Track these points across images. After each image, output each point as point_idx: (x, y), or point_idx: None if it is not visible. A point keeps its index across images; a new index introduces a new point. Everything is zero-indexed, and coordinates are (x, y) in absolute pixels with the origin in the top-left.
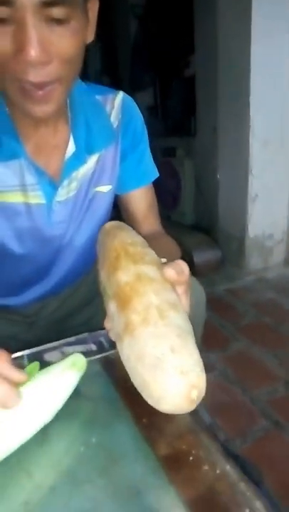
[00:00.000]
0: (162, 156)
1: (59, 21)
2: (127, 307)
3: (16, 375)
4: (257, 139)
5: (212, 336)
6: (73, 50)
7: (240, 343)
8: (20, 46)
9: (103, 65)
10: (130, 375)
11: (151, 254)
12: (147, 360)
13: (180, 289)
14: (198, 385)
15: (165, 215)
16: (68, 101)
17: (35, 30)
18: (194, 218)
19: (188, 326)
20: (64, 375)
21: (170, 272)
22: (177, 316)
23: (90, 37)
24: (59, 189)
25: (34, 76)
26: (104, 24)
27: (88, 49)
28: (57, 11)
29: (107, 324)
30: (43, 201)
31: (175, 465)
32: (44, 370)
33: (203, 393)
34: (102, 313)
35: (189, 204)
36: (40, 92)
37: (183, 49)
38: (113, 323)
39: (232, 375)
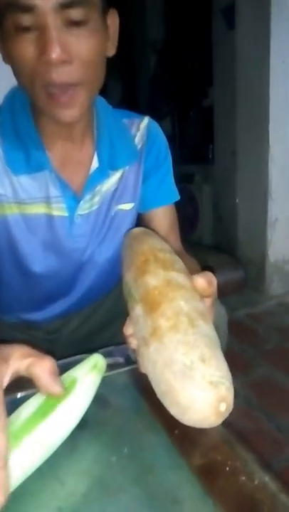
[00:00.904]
0: (180, 182)
1: (77, 23)
2: (155, 311)
3: (55, 388)
4: (276, 163)
5: (234, 361)
6: (92, 52)
7: (262, 368)
8: (42, 49)
9: (123, 96)
10: (154, 382)
11: (179, 262)
12: (176, 367)
13: (207, 302)
14: (227, 399)
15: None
16: (95, 120)
17: (55, 32)
18: (213, 244)
19: (216, 338)
20: (86, 380)
21: (201, 280)
22: (206, 326)
23: (112, 51)
24: (81, 202)
25: (57, 76)
26: (125, 59)
27: (108, 82)
28: (75, 13)
29: (127, 329)
30: (66, 214)
31: (211, 476)
32: (64, 376)
33: (231, 408)
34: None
35: (208, 229)
36: (65, 96)
37: (201, 80)
38: (137, 327)
39: (255, 402)
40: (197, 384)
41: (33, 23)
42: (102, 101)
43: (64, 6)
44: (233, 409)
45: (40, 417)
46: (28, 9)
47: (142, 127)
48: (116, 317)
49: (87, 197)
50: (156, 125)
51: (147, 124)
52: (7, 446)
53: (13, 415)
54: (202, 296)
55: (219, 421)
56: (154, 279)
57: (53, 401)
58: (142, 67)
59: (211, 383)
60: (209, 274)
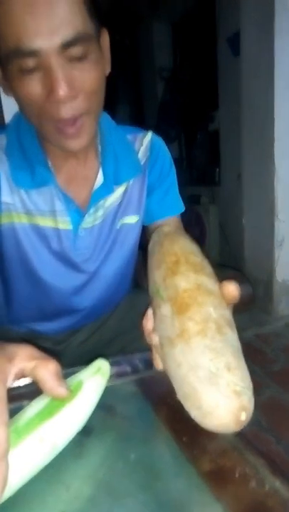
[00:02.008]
0: (187, 203)
1: (79, 58)
2: (184, 313)
3: (60, 390)
4: (282, 184)
5: None
6: (95, 82)
7: (271, 389)
8: (50, 88)
9: (131, 122)
10: (176, 383)
11: (209, 267)
12: (202, 372)
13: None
14: (247, 409)
15: None
16: (99, 136)
17: (60, 72)
18: (220, 263)
19: (240, 348)
20: (91, 383)
21: (232, 288)
22: (232, 335)
23: (107, 69)
24: (85, 216)
25: (65, 112)
26: (133, 86)
27: (118, 108)
28: (76, 50)
29: (147, 323)
30: (70, 227)
31: (220, 482)
32: (69, 379)
33: (250, 418)
34: (132, 347)
35: (214, 249)
36: (73, 128)
37: (207, 105)
38: (162, 326)
39: (265, 423)
40: (222, 391)
41: (37, 65)
42: (106, 117)
43: (66, 46)
44: (243, 430)
45: (45, 416)
46: (32, 53)
47: (145, 142)
48: (124, 330)
49: (91, 211)
50: (159, 140)
51: (151, 139)
52: (7, 440)
53: (18, 415)
54: (227, 304)
55: (237, 429)
56: (185, 282)
57: (58, 402)
58: (150, 94)
59: (235, 392)
60: (236, 283)
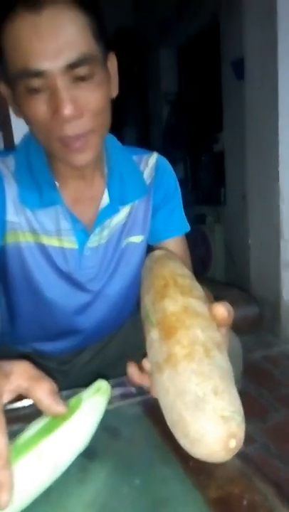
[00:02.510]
0: (192, 223)
1: (83, 78)
2: (171, 337)
3: (58, 408)
4: (287, 204)
5: (250, 406)
6: (100, 102)
7: (280, 414)
8: (55, 108)
9: (137, 144)
10: (165, 410)
11: (199, 289)
12: (188, 398)
13: (222, 331)
14: (237, 435)
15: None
16: (105, 157)
17: (65, 92)
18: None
19: (230, 370)
20: (90, 401)
21: (221, 309)
22: (221, 357)
23: (114, 92)
24: (91, 236)
25: (71, 130)
26: (140, 109)
27: (124, 130)
28: (81, 71)
29: (133, 373)
30: (76, 246)
31: (228, 510)
32: (69, 400)
33: (240, 445)
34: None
35: (220, 269)
36: (78, 143)
37: (212, 127)
38: (151, 351)
39: (273, 449)
40: (208, 417)
41: (43, 85)
42: (112, 139)
43: (71, 67)
44: (251, 456)
45: (44, 434)
46: (38, 74)
47: (150, 163)
48: (129, 351)
49: (97, 230)
50: (164, 160)
51: (156, 160)
52: (7, 447)
53: (19, 435)
54: (218, 325)
55: (228, 457)
56: (173, 305)
57: (57, 420)
58: (156, 117)
59: (222, 418)
60: (227, 304)
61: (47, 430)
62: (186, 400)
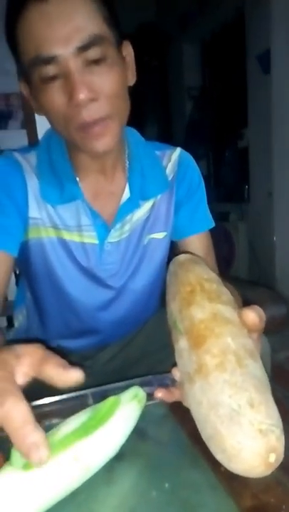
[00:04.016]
0: (215, 220)
1: (96, 61)
2: (200, 347)
3: (71, 373)
4: None
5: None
6: (115, 85)
7: None
8: (70, 93)
9: (159, 141)
10: (199, 423)
11: (227, 294)
12: (222, 411)
13: (254, 336)
14: (277, 449)
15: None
16: (127, 152)
17: (78, 76)
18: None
19: (266, 379)
20: (126, 407)
21: (252, 315)
22: (255, 365)
23: (132, 80)
24: (111, 231)
25: (87, 115)
26: (162, 105)
27: (146, 126)
28: (93, 53)
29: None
30: (96, 241)
31: None
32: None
33: (281, 458)
34: (163, 365)
35: (244, 267)
36: (97, 128)
37: (236, 123)
38: (181, 361)
39: None
40: (245, 431)
41: (56, 72)
42: (134, 133)
43: (82, 49)
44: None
45: (80, 435)
46: (50, 60)
47: (173, 158)
48: (153, 349)
49: (118, 226)
50: (188, 156)
51: (179, 155)
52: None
53: (52, 431)
54: (249, 331)
55: (268, 472)
56: (200, 312)
57: (94, 421)
58: (179, 112)
59: (260, 431)
60: (258, 308)
61: (84, 431)
62: (220, 413)
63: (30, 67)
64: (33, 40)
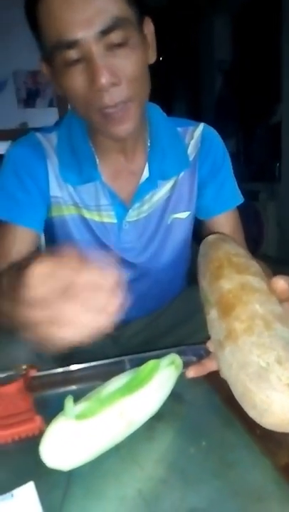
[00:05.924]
0: (244, 199)
1: (119, 45)
2: (229, 314)
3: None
4: None
5: None
6: (136, 68)
7: None
8: (92, 77)
9: (188, 117)
10: (231, 384)
11: (255, 266)
12: (251, 369)
13: (287, 305)
14: None
15: None
16: (148, 131)
17: (101, 60)
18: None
19: None
20: (164, 371)
21: (281, 282)
22: (283, 329)
23: (152, 58)
24: (130, 211)
25: (109, 99)
26: (190, 79)
27: (174, 102)
28: (115, 36)
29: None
30: (115, 220)
31: None
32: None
33: None
34: (189, 340)
35: (272, 248)
36: (118, 112)
37: (268, 98)
38: (213, 331)
39: None
40: (273, 386)
41: (79, 56)
42: (156, 109)
43: (104, 33)
44: None
45: (125, 392)
46: (72, 44)
47: (196, 135)
48: (179, 324)
49: (136, 205)
50: (212, 131)
51: (202, 131)
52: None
53: (99, 388)
54: (280, 299)
55: None
56: (228, 283)
57: (137, 381)
58: (208, 87)
59: (288, 386)
60: (287, 277)
61: (128, 389)
62: (249, 372)
63: (52, 50)
64: (55, 23)
